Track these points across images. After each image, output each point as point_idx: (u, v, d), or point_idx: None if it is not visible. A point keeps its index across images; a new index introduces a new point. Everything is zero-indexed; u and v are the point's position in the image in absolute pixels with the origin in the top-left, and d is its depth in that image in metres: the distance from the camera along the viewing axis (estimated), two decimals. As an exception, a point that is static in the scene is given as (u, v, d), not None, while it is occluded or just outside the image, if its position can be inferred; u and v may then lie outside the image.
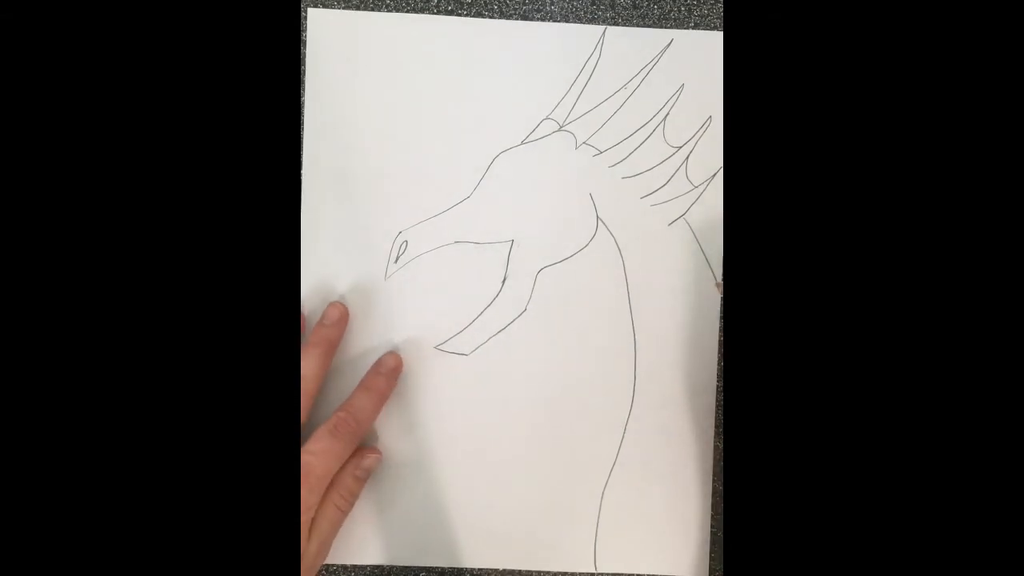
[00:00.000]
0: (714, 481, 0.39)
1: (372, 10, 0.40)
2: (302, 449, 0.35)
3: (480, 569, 0.39)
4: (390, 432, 0.39)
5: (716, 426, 0.39)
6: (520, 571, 0.39)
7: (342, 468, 0.36)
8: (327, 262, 0.39)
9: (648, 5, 0.41)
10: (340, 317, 0.38)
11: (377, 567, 0.38)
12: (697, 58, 0.40)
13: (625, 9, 0.41)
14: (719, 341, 0.39)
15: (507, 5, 0.41)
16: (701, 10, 0.41)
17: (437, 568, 0.38)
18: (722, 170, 0.40)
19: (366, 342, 0.39)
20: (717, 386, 0.39)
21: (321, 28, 0.40)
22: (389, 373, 0.38)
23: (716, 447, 0.39)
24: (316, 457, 0.35)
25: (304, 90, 0.39)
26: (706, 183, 0.40)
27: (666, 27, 0.40)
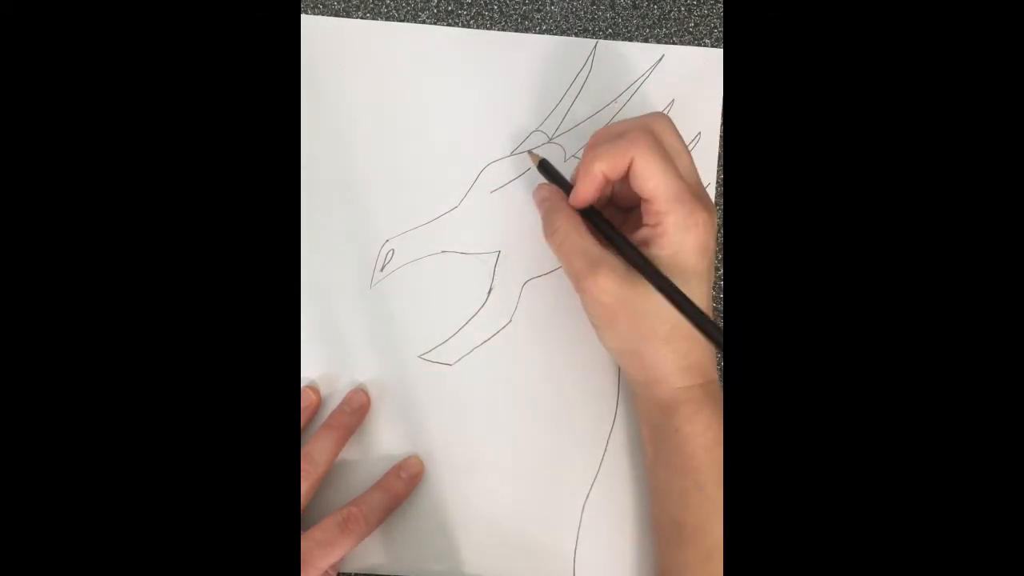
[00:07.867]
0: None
1: (369, 15, 0.40)
2: (305, 535, 0.34)
3: (460, 577, 0.39)
4: (371, 440, 0.39)
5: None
6: (499, 580, 0.39)
7: None
8: (312, 269, 0.39)
9: (648, 5, 0.40)
10: (360, 406, 0.38)
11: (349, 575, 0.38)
12: (688, 74, 0.40)
13: (625, 9, 0.40)
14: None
15: (507, 4, 0.40)
16: (701, 10, 0.40)
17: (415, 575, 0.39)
18: (711, 185, 0.40)
19: (350, 351, 0.39)
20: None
21: (314, 35, 0.40)
22: (409, 478, 0.38)
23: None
24: (318, 547, 0.34)
25: (293, 96, 0.39)
26: (694, 199, 0.40)
27: (665, 28, 0.40)
